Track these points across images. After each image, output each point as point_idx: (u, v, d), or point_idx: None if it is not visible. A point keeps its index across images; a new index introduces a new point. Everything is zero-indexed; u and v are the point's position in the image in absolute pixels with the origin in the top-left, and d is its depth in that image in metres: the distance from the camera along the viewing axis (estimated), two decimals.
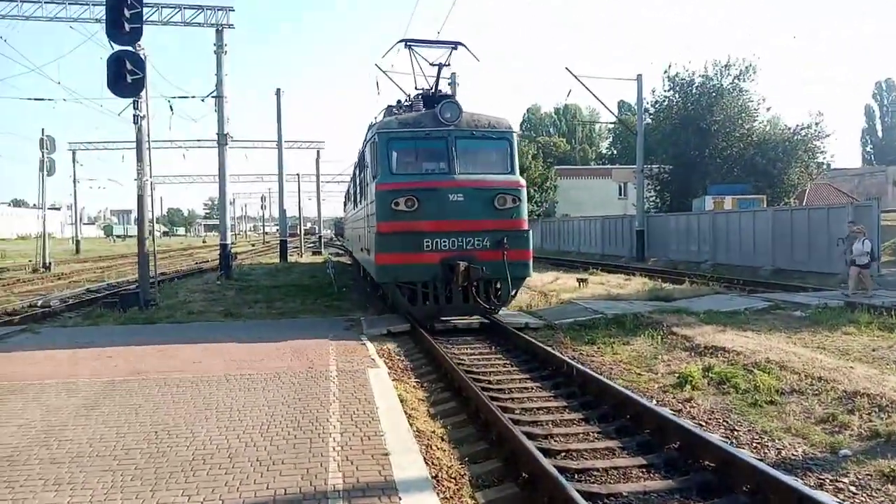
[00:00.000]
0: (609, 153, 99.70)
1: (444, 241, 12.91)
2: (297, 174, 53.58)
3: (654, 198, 44.34)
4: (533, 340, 11.25)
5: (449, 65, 14.82)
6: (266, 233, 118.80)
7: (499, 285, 13.27)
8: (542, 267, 29.31)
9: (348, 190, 28.86)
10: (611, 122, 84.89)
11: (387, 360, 10.43)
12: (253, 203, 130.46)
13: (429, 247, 12.87)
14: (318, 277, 24.50)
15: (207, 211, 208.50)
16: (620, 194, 64.87)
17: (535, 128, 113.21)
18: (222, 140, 23.73)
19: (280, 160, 34.85)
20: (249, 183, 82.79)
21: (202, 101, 23.79)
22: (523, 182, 13.64)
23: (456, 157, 13.20)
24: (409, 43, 14.87)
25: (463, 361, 10.58)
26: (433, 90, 14.80)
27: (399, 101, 16.22)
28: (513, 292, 13.59)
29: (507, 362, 10.59)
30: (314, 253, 48.27)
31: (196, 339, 11.95)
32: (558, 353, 10.37)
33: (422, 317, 13.08)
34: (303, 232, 57.92)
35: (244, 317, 15.06)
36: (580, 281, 20.27)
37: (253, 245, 76.16)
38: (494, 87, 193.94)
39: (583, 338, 12.03)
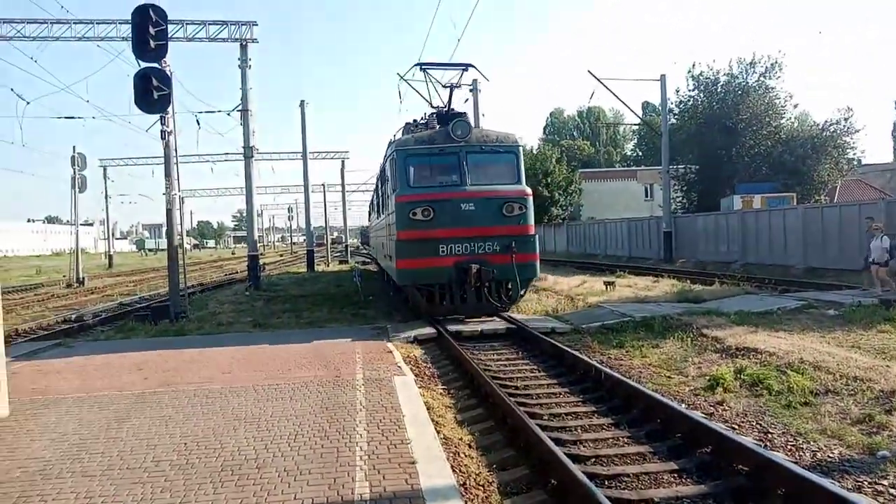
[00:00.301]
0: (634, 155, 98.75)
1: (458, 247, 14.27)
2: (323, 184, 53.99)
3: (680, 198, 43.84)
4: (560, 345, 11.17)
5: (460, 86, 16.40)
6: (294, 243, 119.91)
7: (509, 286, 14.42)
8: (569, 271, 29.11)
9: (372, 201, 30.65)
10: (635, 124, 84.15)
11: (413, 368, 10.42)
12: (280, 214, 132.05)
13: (444, 252, 14.18)
14: (344, 286, 24.61)
15: (236, 223, 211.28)
16: (647, 196, 64.22)
17: (558, 131, 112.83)
18: (248, 153, 24.01)
19: (305, 171, 35.19)
20: (276, 194, 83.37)
21: (228, 115, 24.12)
22: (529, 191, 14.93)
23: (467, 170, 14.62)
24: (423, 66, 16.52)
25: (489, 367, 10.53)
26: (447, 109, 16.17)
27: (415, 121, 17.95)
28: (522, 292, 14.81)
29: (534, 367, 10.52)
30: (341, 262, 48.57)
31: (225, 350, 12.05)
32: (586, 357, 10.28)
33: (439, 315, 14.42)
34: (329, 241, 58.32)
35: (272, 327, 15.17)
36: (607, 284, 20.11)
37: (281, 255, 76.89)
38: (517, 94, 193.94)
39: (611, 341, 11.90)
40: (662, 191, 35.33)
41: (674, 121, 45.47)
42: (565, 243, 49.97)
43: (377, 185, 23.31)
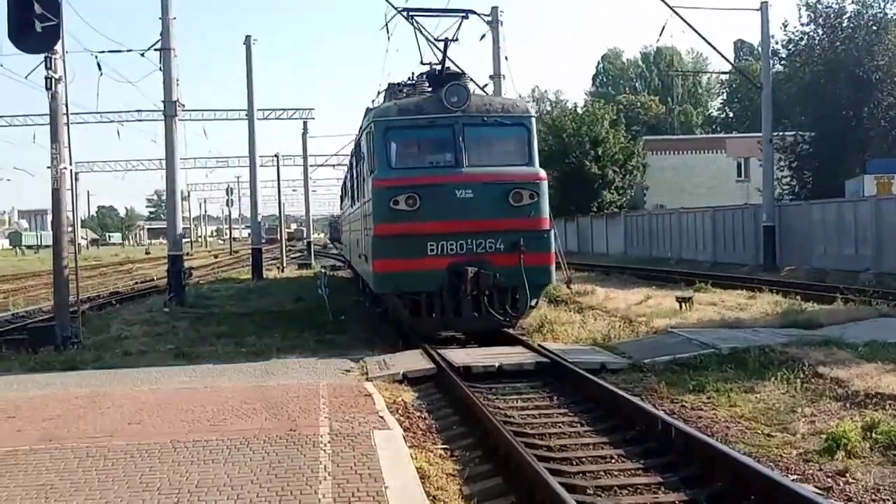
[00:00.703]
0: (722, 116, 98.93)
1: (452, 245, 15.46)
2: (276, 156, 53.99)
3: (788, 179, 43.90)
4: (612, 388, 11.15)
5: (457, 40, 17.56)
6: (235, 239, 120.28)
7: (516, 294, 15.57)
8: (626, 281, 29.14)
9: (345, 183, 32.35)
10: (724, 72, 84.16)
11: (402, 418, 10.42)
12: (216, 198, 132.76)
13: (433, 251, 15.37)
14: (306, 300, 24.66)
15: (152, 210, 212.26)
16: (739, 175, 64.32)
17: (613, 82, 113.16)
18: (170, 110, 24.09)
19: (251, 135, 35.28)
20: (211, 169, 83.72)
21: (142, 55, 24.20)
22: (543, 174, 16.26)
23: (464, 147, 15.81)
24: (410, 13, 17.80)
25: (511, 419, 10.52)
26: (440, 68, 17.26)
27: (400, 83, 18.94)
28: (532, 302, 16.08)
29: (576, 419, 10.51)
30: (301, 266, 48.68)
31: (134, 390, 12.05)
32: (650, 407, 10.27)
33: (426, 332, 15.69)
34: (284, 237, 58.53)
35: (201, 358, 15.20)
36: (682, 301, 20.12)
37: (216, 257, 77.22)
38: (553, 28, 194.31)
39: (685, 383, 11.88)
40: (762, 168, 35.32)
41: (780, 68, 45.50)
42: (622, 242, 50.04)
43: (351, 165, 24.57)
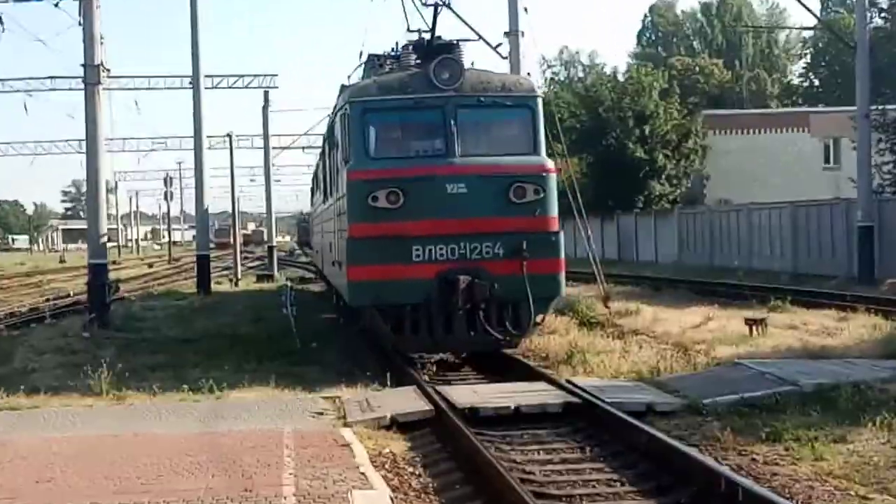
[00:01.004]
0: (804, 85, 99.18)
1: (441, 249, 16.32)
2: (229, 135, 54.02)
3: (891, 166, 43.76)
4: (662, 436, 11.12)
5: (448, 5, 18.87)
6: (175, 243, 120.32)
7: (519, 308, 16.54)
8: (681, 297, 29.12)
9: (316, 173, 34.70)
10: (807, 27, 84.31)
11: (389, 475, 10.42)
12: (151, 190, 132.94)
13: (420, 256, 16.23)
14: (266, 322, 24.63)
15: (69, 206, 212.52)
16: (827, 160, 64.35)
17: (665, 41, 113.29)
18: (92, 76, 24.07)
19: (197, 108, 35.31)
20: (144, 154, 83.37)
21: (56, 6, 24.24)
22: (551, 165, 17.17)
23: (456, 133, 16.60)
24: None
25: (532, 475, 10.52)
26: (429, 37, 18.30)
27: (383, 54, 20.23)
28: (538, 318, 16.97)
29: (614, 477, 10.49)
30: (261, 277, 48.66)
31: (44, 437, 12.01)
32: (710, 461, 10.25)
33: (412, 351, 17.10)
34: (239, 240, 58.54)
35: (132, 396, 15.17)
36: (752, 324, 20.09)
37: (151, 266, 77.22)
38: None
39: (756, 430, 11.84)
40: (857, 151, 35.28)
41: (879, 22, 45.46)
42: (675, 247, 50.07)
43: (323, 152, 26.10)
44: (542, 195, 16.71)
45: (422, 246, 16.20)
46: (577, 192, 27.24)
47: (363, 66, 20.81)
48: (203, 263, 37.04)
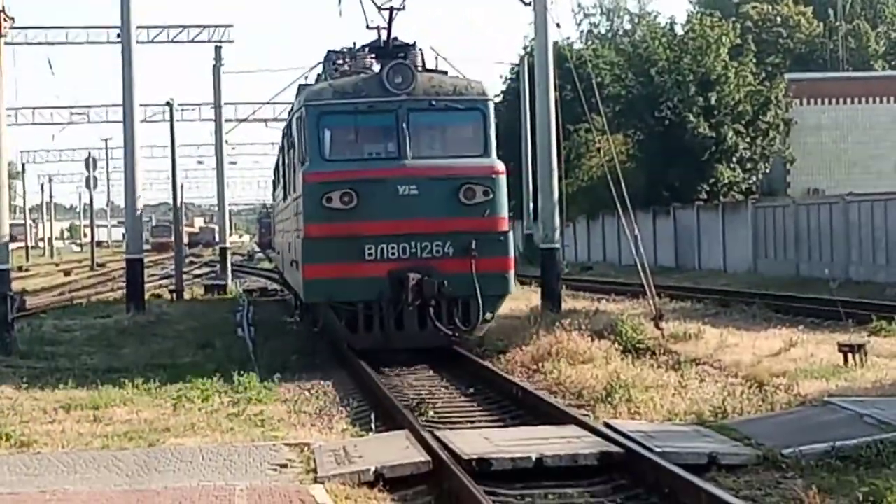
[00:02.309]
0: None
1: (393, 248, 21.29)
2: (170, 103, 53.94)
3: None
4: (728, 498, 11.10)
5: (404, 8, 23.02)
6: (100, 244, 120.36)
7: (469, 306, 21.43)
8: (757, 318, 29.04)
9: (277, 165, 40.44)
10: None
11: None
12: (69, 174, 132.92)
13: (372, 255, 21.23)
14: (216, 348, 24.63)
15: None
16: None
17: None
18: None
19: (127, 68, 35.27)
20: (61, 128, 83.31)
21: None
22: (501, 167, 22.33)
23: (408, 136, 21.56)
24: None
25: None
26: (386, 38, 23.19)
27: (342, 50, 26.16)
28: (487, 315, 22.12)
29: None
30: (210, 288, 48.63)
31: None
32: None
33: (362, 346, 21.65)
34: (183, 238, 58.54)
35: (39, 443, 15.14)
36: (848, 350, 20.02)
37: (68, 273, 77.26)
38: None
39: (852, 489, 11.80)
40: None
41: None
42: (749, 251, 49.96)
43: (283, 147, 32.16)
44: (491, 196, 21.74)
45: (374, 245, 21.09)
46: (620, 178, 27.30)
47: (322, 63, 26.36)
48: (135, 270, 36.90)
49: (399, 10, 22.91)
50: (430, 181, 21.36)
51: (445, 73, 25.14)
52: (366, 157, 22.31)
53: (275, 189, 44.32)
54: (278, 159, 38.97)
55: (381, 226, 21.01)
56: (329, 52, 26.32)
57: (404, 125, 21.50)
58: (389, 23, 23.16)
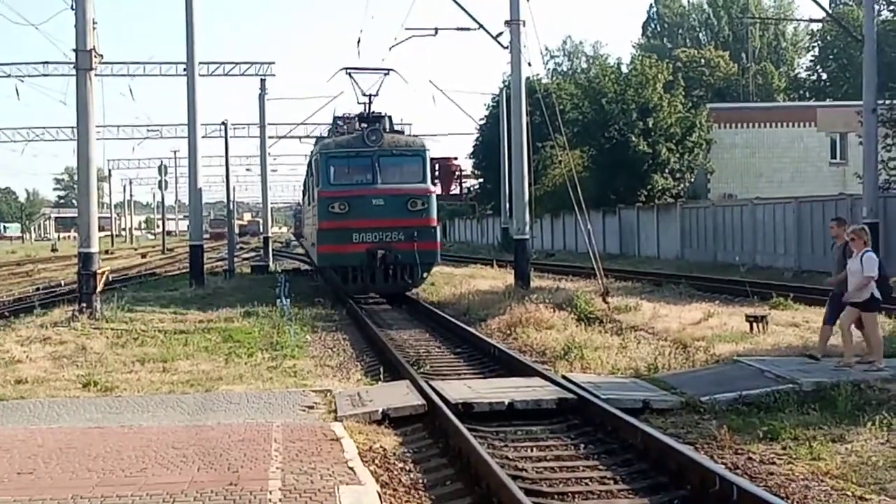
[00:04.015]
0: (812, 79, 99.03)
1: (369, 235, 29.38)
2: (224, 123, 53.93)
3: None
4: (657, 434, 11.12)
5: (378, 94, 33.38)
6: (170, 233, 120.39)
7: (413, 269, 29.75)
8: (683, 294, 29.14)
9: (305, 183, 47.84)
10: (815, 20, 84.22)
11: (379, 470, 10.49)
12: (145, 178, 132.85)
13: (357, 239, 29.30)
14: (259, 315, 24.69)
15: (62, 194, 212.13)
16: (833, 156, 64.31)
17: (670, 32, 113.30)
18: (84, 61, 24.08)
19: (191, 94, 35.27)
20: (138, 142, 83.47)
21: None
22: (432, 189, 31.34)
23: (379, 171, 30.20)
24: (348, 70, 33.93)
25: (524, 472, 10.53)
26: (367, 113, 32.75)
27: (344, 115, 37.29)
28: (423, 275, 30.97)
29: (608, 475, 10.50)
30: (255, 269, 48.67)
31: (27, 428, 12.10)
32: (705, 459, 10.30)
33: (353, 292, 30.28)
34: (234, 230, 58.50)
35: (119, 388, 15.23)
36: (753, 321, 20.07)
37: (144, 256, 77.29)
38: None
39: (754, 429, 11.86)
40: (863, 147, 35.24)
41: (888, 15, 45.45)
42: (677, 243, 50.04)
43: (308, 174, 40.87)
44: (426, 206, 30.10)
45: (358, 233, 29.40)
46: (577, 185, 28.32)
47: (331, 124, 38.93)
48: (196, 254, 36.92)
49: (375, 96, 32.96)
50: (391, 197, 29.75)
51: (402, 132, 35.42)
52: (354, 183, 30.46)
53: (303, 197, 52.99)
54: (305, 180, 46.34)
55: (362, 223, 29.38)
56: (335, 118, 38.31)
57: (376, 164, 30.09)
58: (369, 103, 32.88)
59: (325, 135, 40.36)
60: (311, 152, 36.83)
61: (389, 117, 34.09)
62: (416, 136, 35.96)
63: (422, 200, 29.93)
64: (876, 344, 15.01)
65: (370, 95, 32.82)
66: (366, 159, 30.29)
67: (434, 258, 31.00)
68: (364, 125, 32.18)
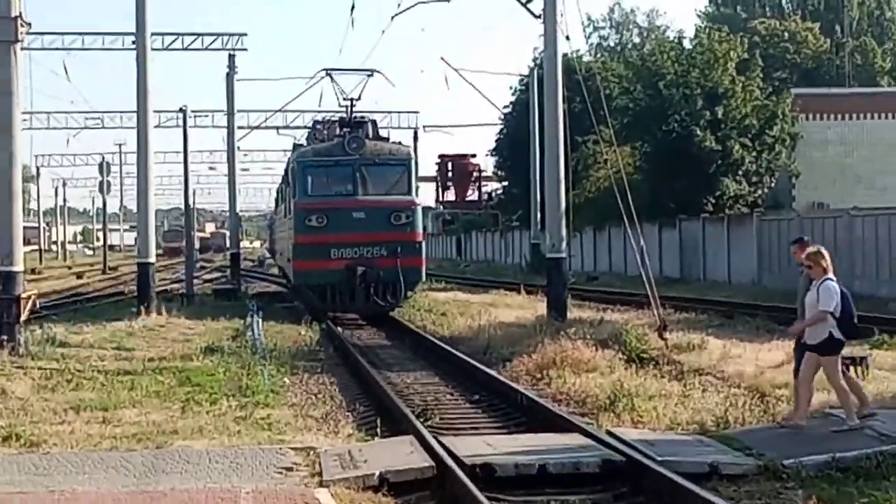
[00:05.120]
0: None
1: (348, 251, 33.12)
2: (182, 110, 53.83)
3: None
4: None
5: (360, 98, 38.47)
6: (113, 248, 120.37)
7: (396, 287, 33.33)
8: (761, 330, 28.97)
9: (279, 191, 54.42)
10: None
11: None
12: (83, 179, 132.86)
13: (336, 255, 33.08)
14: (224, 350, 24.63)
15: None
16: None
17: (745, 0, 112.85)
18: (6, 30, 24.10)
19: (142, 74, 35.28)
20: (75, 133, 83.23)
21: None
22: (417, 201, 35.93)
23: (360, 181, 33.89)
24: (329, 72, 38.58)
25: None
26: (349, 117, 36.88)
27: (324, 120, 42.06)
28: (408, 294, 35.14)
29: None
30: (220, 293, 48.57)
31: None
32: None
33: (331, 312, 34.10)
34: (195, 245, 58.43)
35: (49, 443, 15.12)
36: (850, 363, 19.82)
37: (80, 276, 77.25)
38: None
39: (851, 500, 11.77)
40: None
41: None
42: (754, 264, 49.80)
43: (285, 182, 44.63)
44: (410, 219, 34.26)
45: (337, 249, 33.19)
46: (627, 190, 27.32)
47: (311, 129, 44.41)
48: (146, 274, 36.87)
49: (357, 100, 37.63)
50: (373, 209, 33.63)
51: (386, 139, 38.49)
52: (333, 194, 34.48)
53: (276, 206, 58.49)
54: (280, 188, 51.13)
55: (341, 237, 33.24)
56: (314, 121, 44.15)
57: (357, 174, 33.87)
58: (351, 107, 37.49)
59: (304, 141, 46.18)
60: (288, 160, 43.39)
61: (373, 122, 39.04)
62: (401, 143, 39.88)
63: (406, 213, 34.27)
64: (843, 396, 15.15)
65: (351, 99, 37.68)
66: (346, 168, 34.26)
67: (419, 276, 36.03)
68: (345, 131, 35.90)
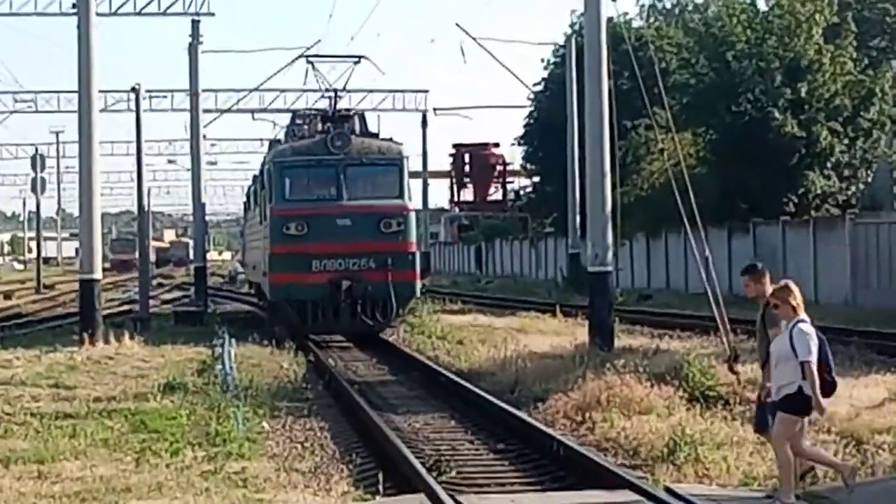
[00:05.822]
0: None
1: (332, 262, 35.86)
2: (135, 89, 53.99)
3: None
4: None
5: (346, 88, 44.27)
6: (48, 260, 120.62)
7: (386, 304, 35.98)
8: (855, 360, 28.94)
9: (249, 194, 57.44)
10: None
11: None
12: (11, 176, 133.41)
13: (317, 267, 35.90)
14: (188, 389, 24.69)
15: None
16: None
17: None
18: None
19: (85, 41, 35.34)
20: (0, 118, 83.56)
21: None
22: (411, 206, 38.88)
23: (345, 183, 36.82)
24: (309, 59, 43.86)
25: None
26: (332, 110, 40.04)
27: (304, 111, 50.64)
28: (400, 311, 37.57)
29: None
30: (182, 317, 48.65)
31: None
32: None
33: (312, 333, 37.76)
34: (149, 254, 58.49)
35: None
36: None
37: (9, 297, 77.38)
38: None
39: None
40: None
41: None
42: (847, 277, 49.80)
43: (259, 184, 46.14)
44: (402, 227, 36.28)
45: (319, 260, 35.32)
46: (688, 187, 26.57)
47: (288, 125, 47.26)
48: (90, 294, 36.92)
49: (343, 90, 41.34)
50: (360, 216, 35.91)
51: (376, 135, 40.79)
52: (315, 199, 37.21)
53: (247, 212, 61.58)
54: (254, 190, 52.48)
55: (324, 247, 35.43)
56: (293, 114, 48.15)
57: (342, 176, 36.30)
58: (334, 101, 40.75)
59: (281, 136, 49.50)
60: (264, 160, 45.52)
61: (361, 115, 42.60)
62: (392, 139, 41.22)
63: (398, 220, 36.67)
64: (785, 467, 14.47)
65: (335, 90, 41.27)
66: (329, 169, 37.04)
67: (412, 291, 38.24)
68: (329, 126, 38.72)
